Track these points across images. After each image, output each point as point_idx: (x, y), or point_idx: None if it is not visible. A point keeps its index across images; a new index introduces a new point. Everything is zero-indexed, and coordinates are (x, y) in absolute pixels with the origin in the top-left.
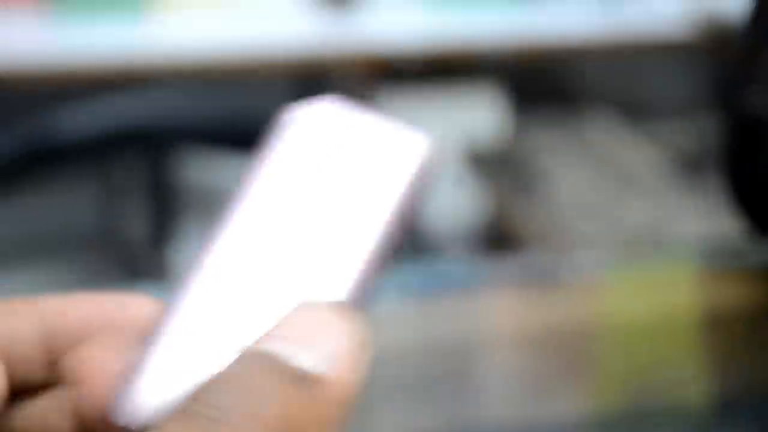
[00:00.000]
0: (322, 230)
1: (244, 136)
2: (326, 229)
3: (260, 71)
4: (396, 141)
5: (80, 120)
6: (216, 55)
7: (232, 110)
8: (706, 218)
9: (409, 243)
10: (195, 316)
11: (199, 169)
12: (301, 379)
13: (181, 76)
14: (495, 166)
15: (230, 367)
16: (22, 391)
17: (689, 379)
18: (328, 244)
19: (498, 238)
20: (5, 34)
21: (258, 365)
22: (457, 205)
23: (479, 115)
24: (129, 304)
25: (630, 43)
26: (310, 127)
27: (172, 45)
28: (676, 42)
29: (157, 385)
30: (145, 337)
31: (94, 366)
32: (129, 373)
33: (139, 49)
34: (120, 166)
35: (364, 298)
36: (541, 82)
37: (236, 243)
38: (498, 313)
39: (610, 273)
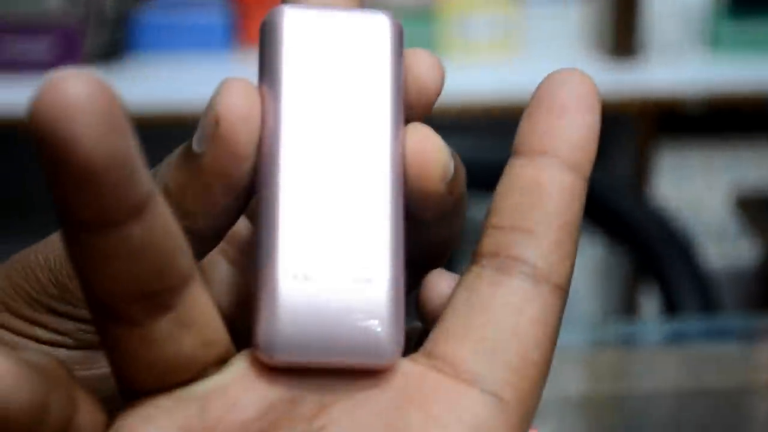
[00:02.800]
0: (349, 113)
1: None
2: (351, 111)
3: None
4: (368, 25)
5: None
6: (501, 99)
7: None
8: None
9: (690, 293)
10: (292, 227)
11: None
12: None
13: (465, 116)
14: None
15: None
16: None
17: None
18: (357, 124)
19: None
20: None
21: None
22: (729, 253)
23: (755, 160)
24: None
25: None
26: (297, 26)
27: (459, 90)
28: None
29: (291, 309)
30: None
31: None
32: (258, 302)
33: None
34: None
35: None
36: None
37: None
38: None
39: None
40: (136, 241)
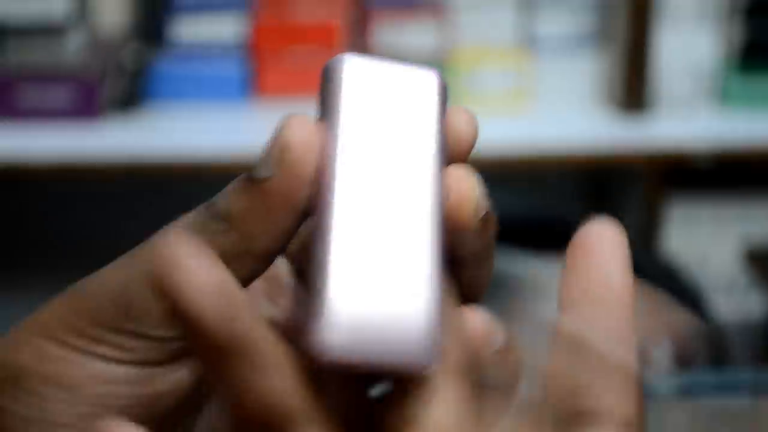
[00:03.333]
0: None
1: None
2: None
3: (552, 169)
4: (419, 79)
5: None
6: (512, 151)
7: (524, 206)
8: None
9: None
10: (348, 239)
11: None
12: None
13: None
14: None
15: None
16: None
17: None
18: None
19: None
20: None
21: None
22: (738, 306)
23: (764, 213)
24: None
25: None
26: (356, 74)
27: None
28: None
29: (344, 311)
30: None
31: None
32: (312, 304)
33: None
34: None
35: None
36: None
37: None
38: None
39: None
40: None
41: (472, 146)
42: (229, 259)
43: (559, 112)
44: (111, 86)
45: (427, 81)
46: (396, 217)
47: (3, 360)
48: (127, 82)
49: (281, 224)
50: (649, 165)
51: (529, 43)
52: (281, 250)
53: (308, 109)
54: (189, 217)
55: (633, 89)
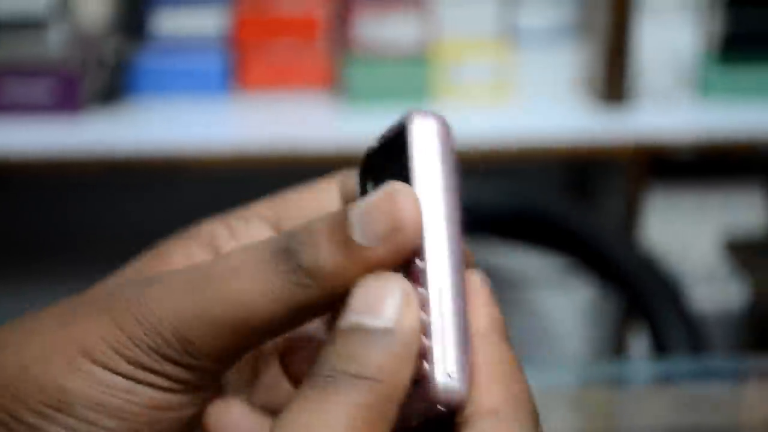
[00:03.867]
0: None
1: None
2: None
3: (534, 160)
4: None
5: None
6: (493, 143)
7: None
8: None
9: (678, 335)
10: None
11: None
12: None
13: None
14: (757, 256)
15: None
16: None
17: None
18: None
19: (759, 330)
20: (298, 119)
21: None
22: (718, 296)
23: (743, 204)
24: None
25: None
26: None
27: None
28: None
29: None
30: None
31: None
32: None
33: None
34: None
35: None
36: None
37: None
38: (758, 405)
39: None
40: None
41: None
42: (303, 308)
43: (541, 103)
44: (92, 80)
45: None
46: None
47: (44, 383)
48: (108, 75)
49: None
50: (631, 156)
51: (511, 35)
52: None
53: (290, 102)
54: (258, 251)
55: (614, 81)
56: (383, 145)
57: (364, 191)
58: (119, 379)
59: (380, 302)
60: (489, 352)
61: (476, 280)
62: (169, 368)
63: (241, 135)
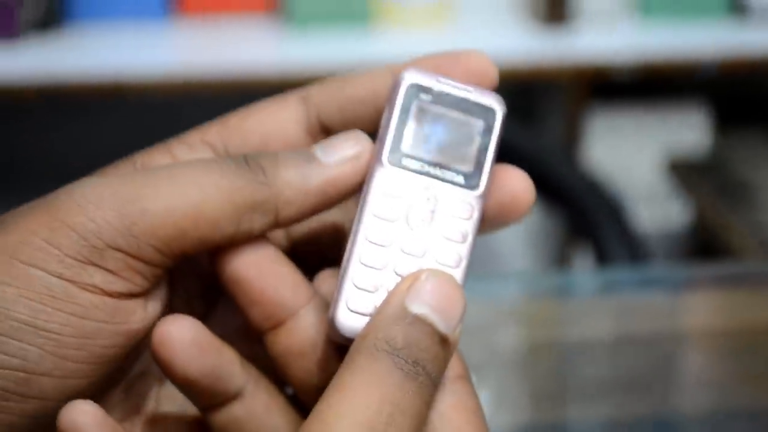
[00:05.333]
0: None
1: None
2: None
3: None
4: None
5: None
6: None
7: None
8: None
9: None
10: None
11: None
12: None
13: None
14: (699, 176)
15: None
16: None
17: None
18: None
19: (701, 249)
20: (240, 42)
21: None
22: (662, 215)
23: (685, 124)
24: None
25: None
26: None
27: (393, 57)
28: None
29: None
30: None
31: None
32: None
33: (361, 61)
34: None
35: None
36: (748, 94)
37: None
38: (698, 312)
39: None
40: (240, 416)
41: (530, 205)
42: (257, 211)
43: (482, 26)
44: (29, 7)
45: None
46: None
47: None
48: (45, 1)
49: None
50: (572, 77)
51: None
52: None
53: (231, 26)
54: (215, 158)
55: (555, 2)
56: None
57: None
58: (52, 279)
59: (454, 309)
60: (466, 401)
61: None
62: (108, 258)
63: (182, 59)
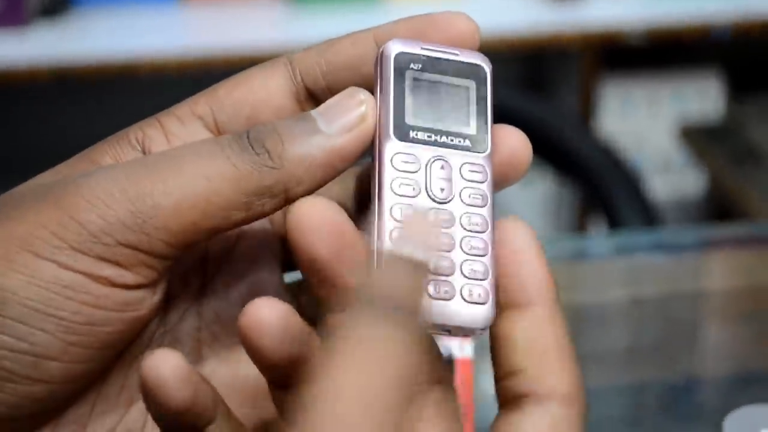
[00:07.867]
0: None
1: None
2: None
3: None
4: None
5: None
6: None
7: None
8: None
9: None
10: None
11: None
12: None
13: None
14: (713, 143)
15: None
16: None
17: None
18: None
19: (716, 216)
20: (247, 24)
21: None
22: (677, 183)
23: (698, 91)
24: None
25: None
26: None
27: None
28: None
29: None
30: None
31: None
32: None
33: None
34: None
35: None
36: (761, 59)
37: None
38: (713, 273)
39: None
40: None
41: (528, 164)
42: (264, 195)
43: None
44: None
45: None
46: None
47: None
48: None
49: None
50: (583, 47)
51: None
52: None
53: (237, 7)
54: (216, 139)
55: None
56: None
57: None
58: (62, 271)
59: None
60: (554, 326)
61: (520, 232)
62: (119, 254)
63: (189, 40)
